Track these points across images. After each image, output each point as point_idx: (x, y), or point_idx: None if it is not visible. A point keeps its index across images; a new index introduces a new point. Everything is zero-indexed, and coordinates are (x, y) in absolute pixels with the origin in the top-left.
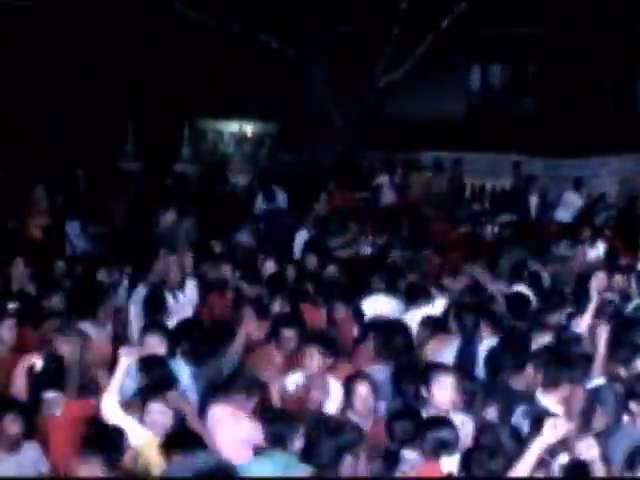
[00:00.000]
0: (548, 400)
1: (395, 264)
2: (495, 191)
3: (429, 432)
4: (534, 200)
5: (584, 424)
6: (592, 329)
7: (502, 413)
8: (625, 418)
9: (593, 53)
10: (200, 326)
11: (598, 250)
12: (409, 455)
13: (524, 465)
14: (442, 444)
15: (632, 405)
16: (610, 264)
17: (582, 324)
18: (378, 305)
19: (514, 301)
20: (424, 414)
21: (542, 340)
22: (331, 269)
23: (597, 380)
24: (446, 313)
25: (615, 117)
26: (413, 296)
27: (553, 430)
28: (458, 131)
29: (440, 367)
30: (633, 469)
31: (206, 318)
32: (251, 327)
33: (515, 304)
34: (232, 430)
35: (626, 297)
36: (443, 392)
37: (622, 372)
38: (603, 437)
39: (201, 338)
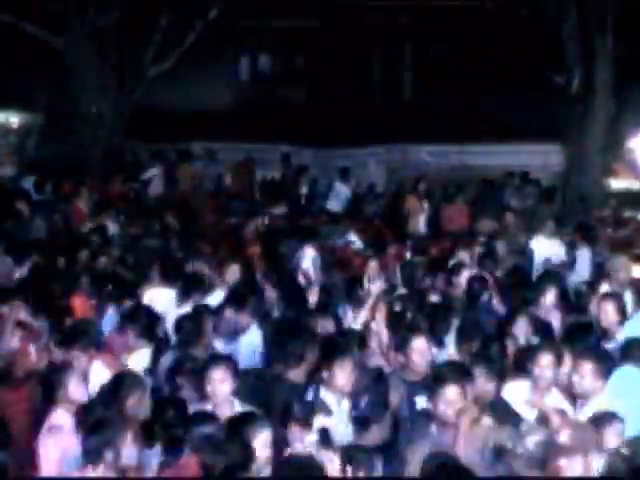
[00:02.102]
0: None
1: (170, 256)
2: (265, 182)
3: (195, 427)
4: (304, 190)
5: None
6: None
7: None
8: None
9: (361, 45)
10: None
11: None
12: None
13: None
14: (207, 439)
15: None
16: (379, 253)
17: (359, 318)
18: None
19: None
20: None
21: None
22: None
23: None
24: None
25: (382, 107)
26: (189, 287)
27: None
28: (228, 121)
29: (218, 360)
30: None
31: None
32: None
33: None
34: None
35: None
36: (220, 386)
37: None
38: None
39: None
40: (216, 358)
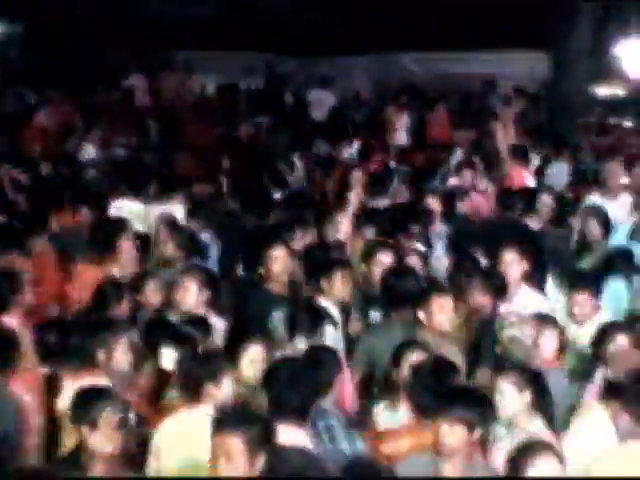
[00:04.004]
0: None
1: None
2: (250, 91)
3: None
4: (289, 99)
5: None
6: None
7: None
8: None
9: None
10: None
11: (353, 149)
12: None
13: None
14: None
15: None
16: (363, 162)
17: (343, 227)
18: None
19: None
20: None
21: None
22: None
23: None
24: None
25: (366, 16)
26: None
27: None
28: (211, 29)
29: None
30: None
31: None
32: None
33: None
34: None
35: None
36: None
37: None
38: None
39: None
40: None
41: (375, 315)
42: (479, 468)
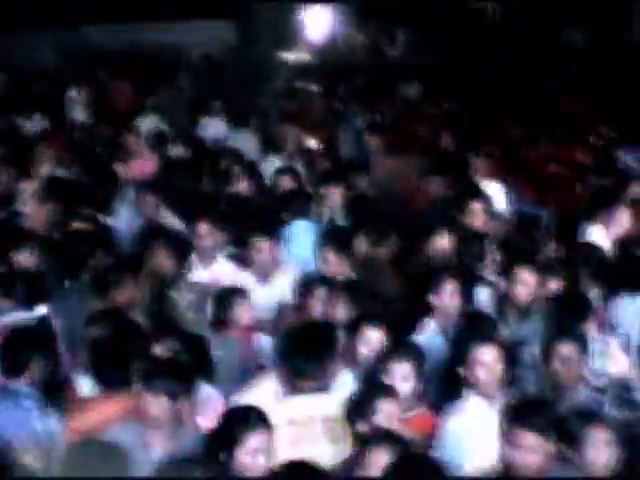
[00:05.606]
0: None
1: None
2: None
3: None
4: None
5: None
6: None
7: None
8: None
9: None
10: None
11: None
12: None
13: None
14: None
15: None
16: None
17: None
18: None
19: None
20: None
21: None
22: None
23: None
24: None
25: None
26: None
27: None
28: None
29: None
30: None
31: None
32: None
33: None
34: None
35: None
36: None
37: None
38: None
39: None
40: None
41: None
42: (188, 435)
